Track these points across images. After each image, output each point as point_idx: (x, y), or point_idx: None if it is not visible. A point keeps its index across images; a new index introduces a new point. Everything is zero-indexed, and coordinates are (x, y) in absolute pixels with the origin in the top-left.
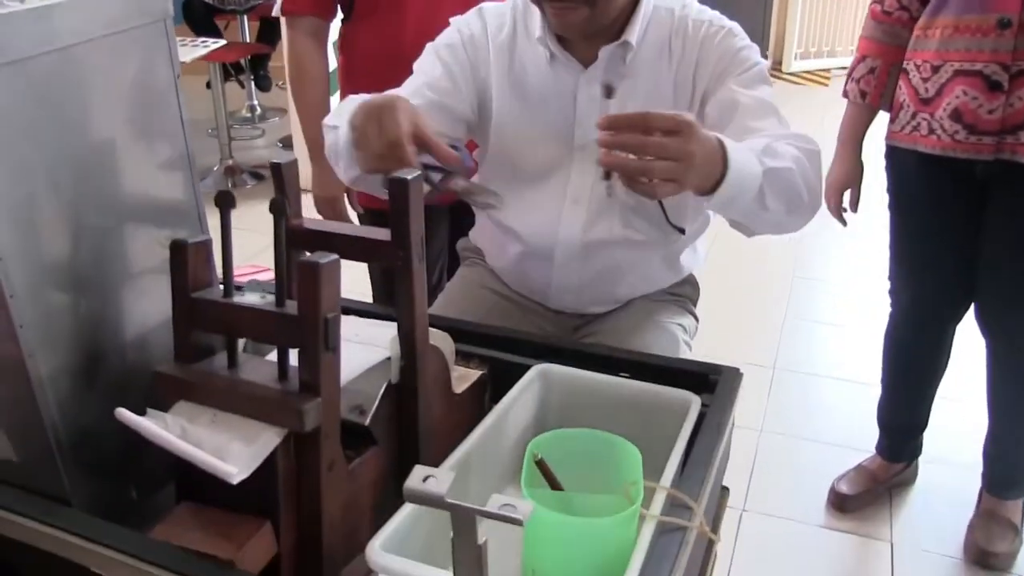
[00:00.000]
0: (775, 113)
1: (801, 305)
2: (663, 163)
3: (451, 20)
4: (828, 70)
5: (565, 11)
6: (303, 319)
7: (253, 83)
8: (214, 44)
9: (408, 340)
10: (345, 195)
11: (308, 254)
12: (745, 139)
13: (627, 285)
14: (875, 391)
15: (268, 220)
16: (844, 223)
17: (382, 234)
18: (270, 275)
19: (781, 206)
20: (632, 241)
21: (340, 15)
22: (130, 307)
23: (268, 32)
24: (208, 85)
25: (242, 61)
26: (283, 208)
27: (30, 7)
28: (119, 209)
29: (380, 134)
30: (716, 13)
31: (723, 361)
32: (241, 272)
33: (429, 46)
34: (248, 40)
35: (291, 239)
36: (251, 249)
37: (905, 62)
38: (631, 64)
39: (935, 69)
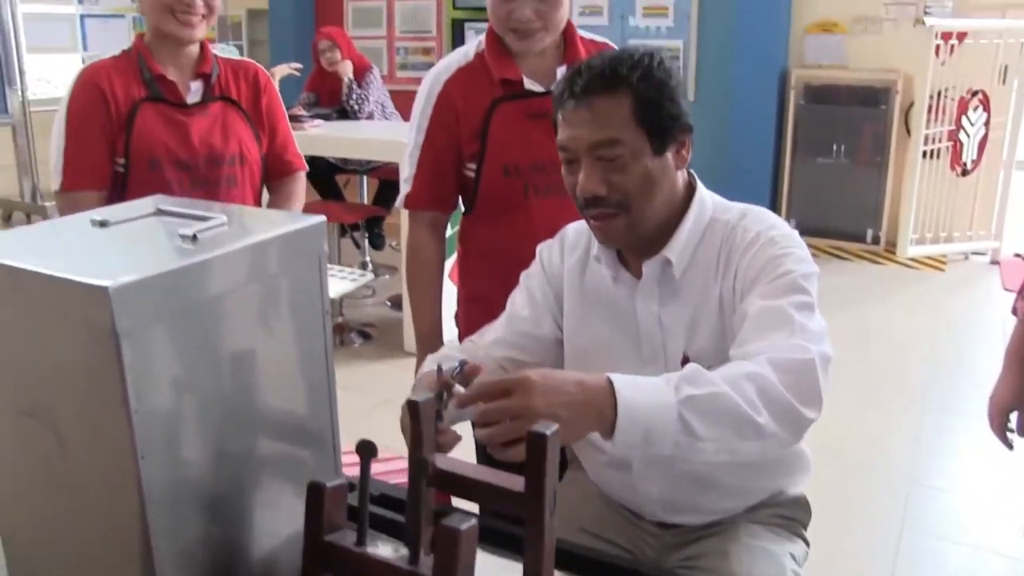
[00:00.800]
0: (787, 323)
1: (922, 518)
2: (508, 425)
3: (538, 247)
4: (944, 255)
5: (605, 221)
6: None
7: (367, 241)
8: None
9: None
10: None
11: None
12: (743, 349)
13: (719, 494)
14: None
15: (373, 382)
16: (1010, 446)
17: (515, 483)
18: (381, 462)
19: (724, 432)
20: None
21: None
22: (260, 530)
23: (386, 194)
24: None
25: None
26: (425, 469)
27: (196, 260)
28: (260, 436)
29: None
30: (774, 222)
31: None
32: (349, 451)
33: (522, 275)
34: (366, 198)
35: (420, 463)
36: (355, 413)
37: None
38: (682, 278)
39: None
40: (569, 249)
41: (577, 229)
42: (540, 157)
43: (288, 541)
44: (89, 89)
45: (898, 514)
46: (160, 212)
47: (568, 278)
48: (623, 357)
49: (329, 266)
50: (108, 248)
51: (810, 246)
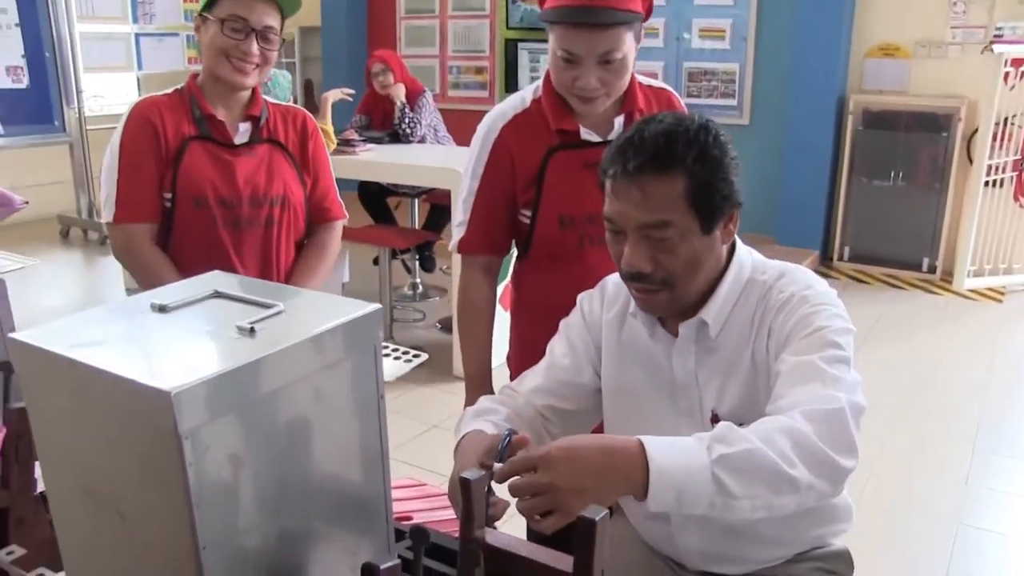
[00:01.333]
0: (817, 376)
1: (968, 560)
2: (532, 500)
3: (578, 296)
4: (1003, 287)
5: (647, 294)
6: None
7: (418, 263)
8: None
9: None
10: None
11: None
12: (776, 404)
13: (757, 545)
14: None
15: (422, 407)
16: None
17: (564, 563)
18: (428, 494)
19: (759, 489)
20: None
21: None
22: None
23: (437, 217)
24: (375, 262)
25: None
26: (477, 559)
27: (255, 359)
28: (317, 516)
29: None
30: (810, 282)
31: None
32: (395, 484)
33: (561, 323)
34: (417, 221)
35: (472, 552)
36: (402, 437)
37: None
38: (717, 338)
39: None
40: (609, 302)
41: (617, 283)
42: (595, 208)
43: None
44: (141, 123)
45: (944, 555)
46: (217, 295)
47: (607, 330)
48: (661, 411)
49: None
50: (168, 341)
51: (864, 274)
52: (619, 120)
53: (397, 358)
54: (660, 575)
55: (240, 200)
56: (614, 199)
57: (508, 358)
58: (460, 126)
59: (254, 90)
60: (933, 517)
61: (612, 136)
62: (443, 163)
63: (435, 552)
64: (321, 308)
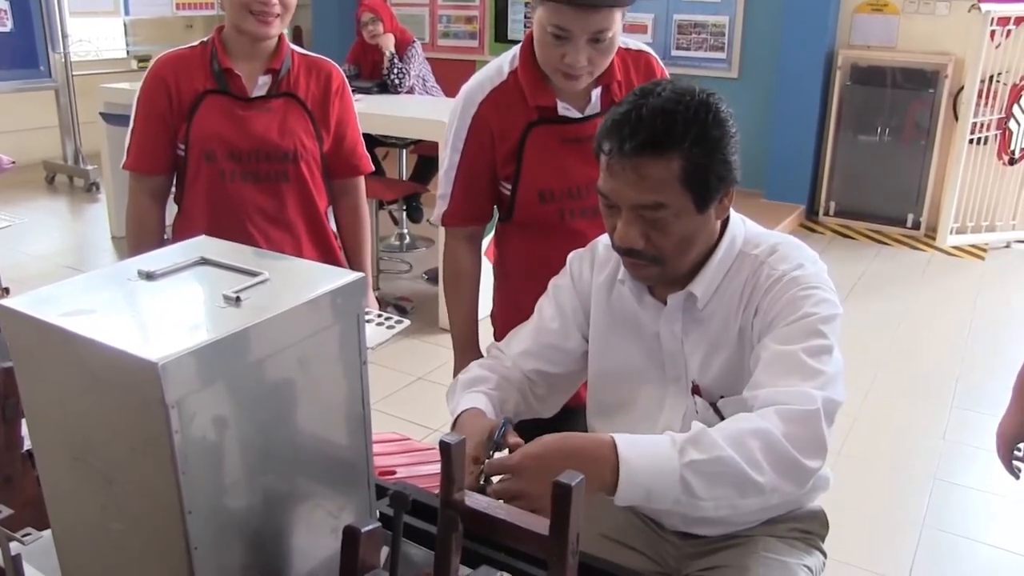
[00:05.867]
0: (798, 370)
1: (944, 514)
2: (512, 503)
3: (568, 256)
4: (986, 244)
5: (636, 267)
6: None
7: (405, 213)
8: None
9: None
10: None
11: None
12: (754, 392)
13: None
14: None
15: (408, 358)
16: (1016, 475)
17: (541, 525)
18: (412, 449)
19: (725, 491)
20: None
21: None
22: (298, 561)
23: (424, 169)
24: None
25: None
26: (456, 524)
27: (241, 328)
28: (301, 479)
29: None
30: (801, 260)
31: (851, 571)
32: (379, 439)
33: (551, 283)
34: (405, 172)
35: (451, 517)
36: (388, 388)
37: None
38: (705, 309)
39: None
40: (599, 265)
41: (608, 244)
42: (574, 182)
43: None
44: (155, 81)
45: (920, 509)
46: (204, 261)
47: (596, 294)
48: (648, 377)
49: (366, 311)
50: (155, 310)
51: (849, 229)
52: (596, 92)
53: (380, 324)
54: (639, 534)
55: (250, 154)
56: (609, 176)
57: (492, 315)
58: (449, 76)
59: (280, 41)
60: (910, 472)
61: (590, 110)
62: (431, 114)
63: (416, 509)
64: (306, 276)
